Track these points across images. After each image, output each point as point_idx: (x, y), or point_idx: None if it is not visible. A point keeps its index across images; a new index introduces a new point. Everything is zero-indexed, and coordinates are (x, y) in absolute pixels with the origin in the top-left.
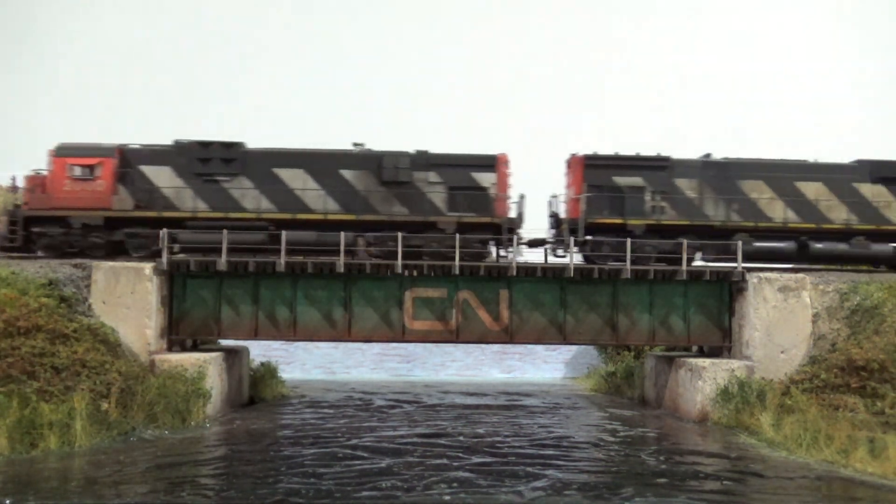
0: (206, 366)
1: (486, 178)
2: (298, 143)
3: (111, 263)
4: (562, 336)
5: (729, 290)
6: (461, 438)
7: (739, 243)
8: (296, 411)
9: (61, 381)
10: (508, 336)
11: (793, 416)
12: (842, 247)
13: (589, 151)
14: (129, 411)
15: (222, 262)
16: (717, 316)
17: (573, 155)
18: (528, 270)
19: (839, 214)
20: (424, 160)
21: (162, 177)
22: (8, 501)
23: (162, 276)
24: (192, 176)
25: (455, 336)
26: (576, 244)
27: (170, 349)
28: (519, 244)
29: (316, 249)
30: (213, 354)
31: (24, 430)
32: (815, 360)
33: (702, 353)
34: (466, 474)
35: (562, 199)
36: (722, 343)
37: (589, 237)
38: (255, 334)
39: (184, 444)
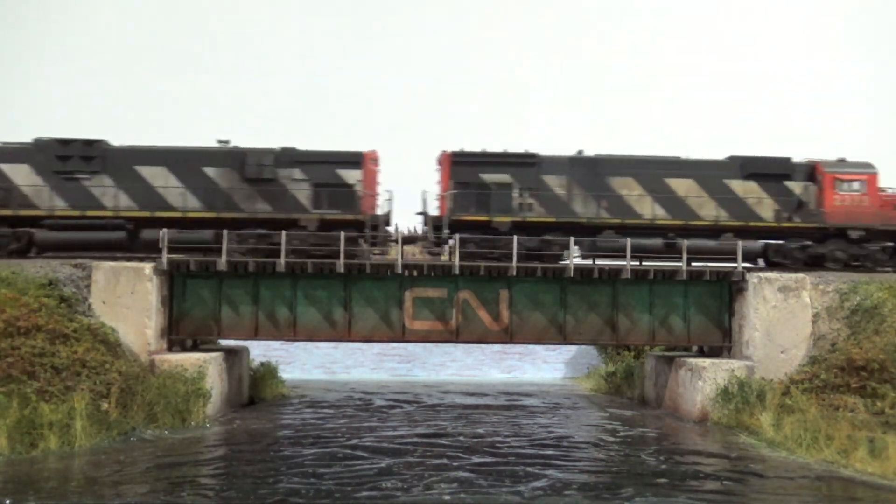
0: (206, 366)
1: (351, 175)
2: (163, 141)
3: (111, 263)
4: (562, 336)
5: (729, 290)
6: (461, 438)
7: (739, 243)
8: (296, 411)
9: (61, 381)
10: (508, 336)
11: (793, 416)
12: (709, 244)
13: (456, 148)
14: (129, 411)
15: (222, 262)
16: (717, 316)
17: (443, 152)
18: (528, 270)
19: (709, 211)
20: (289, 157)
21: (20, 175)
22: (8, 501)
23: (162, 276)
24: (50, 174)
25: (455, 336)
26: (440, 241)
27: (170, 349)
28: (389, 241)
29: (178, 247)
30: (213, 354)
31: (24, 430)
32: (815, 360)
33: (702, 353)
34: (466, 474)
35: (434, 197)
36: (722, 343)
37: (458, 234)
38: (255, 334)
39: (184, 444)
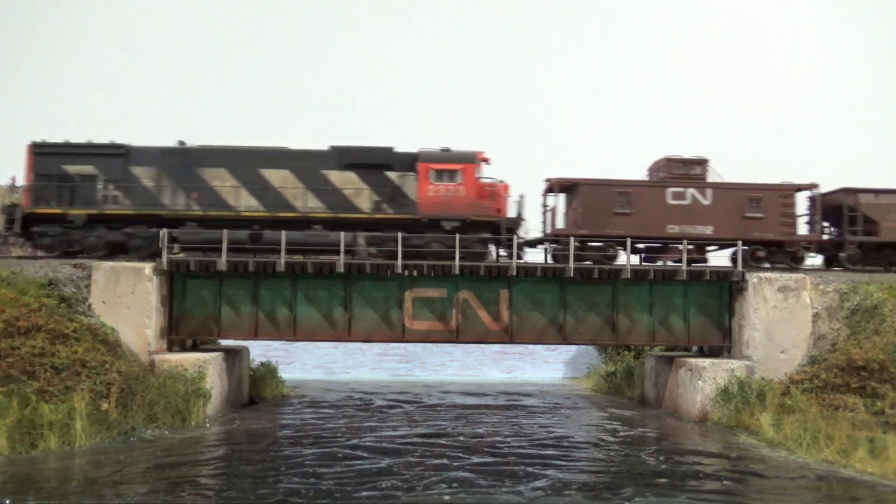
0: (206, 366)
1: None
2: None
3: (111, 263)
4: (562, 336)
5: (729, 290)
6: (461, 438)
7: (739, 247)
8: (296, 411)
9: (61, 381)
10: (508, 336)
11: (793, 416)
12: (296, 235)
13: (38, 139)
14: (129, 411)
15: (222, 261)
16: (717, 316)
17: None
18: (528, 270)
19: (304, 202)
20: None
21: None
22: (8, 501)
23: (162, 275)
24: None
25: (455, 336)
26: (17, 236)
27: (170, 349)
28: None
29: None
30: (213, 354)
31: (24, 430)
32: (815, 360)
33: (702, 353)
34: (466, 474)
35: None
36: (722, 343)
37: (38, 228)
38: (255, 334)
39: (184, 444)
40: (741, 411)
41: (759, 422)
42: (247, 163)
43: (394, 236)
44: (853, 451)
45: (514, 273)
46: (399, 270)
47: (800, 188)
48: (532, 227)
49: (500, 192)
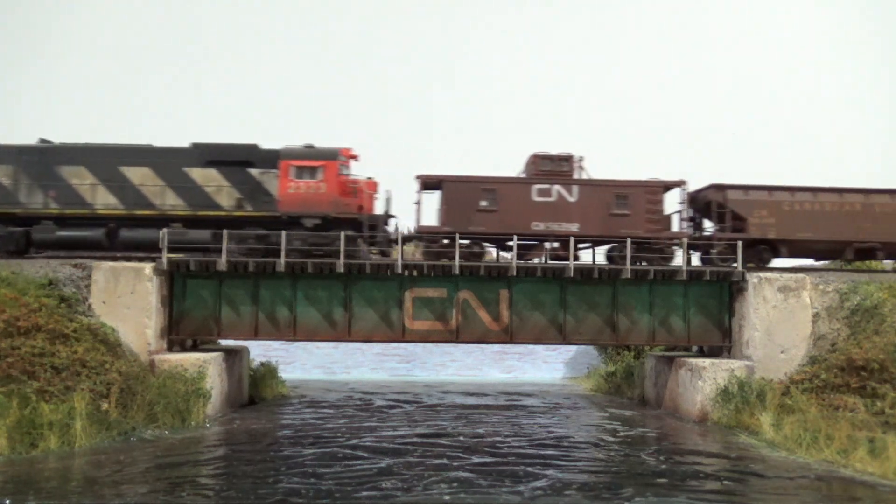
0: (206, 366)
1: None
2: None
3: (111, 263)
4: (562, 336)
5: (729, 290)
6: (461, 438)
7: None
8: (296, 411)
9: (61, 381)
10: (508, 336)
11: (793, 416)
12: (153, 233)
13: None
14: (129, 411)
15: (222, 261)
16: (717, 316)
17: None
18: (528, 270)
19: (165, 200)
20: None
21: None
22: (8, 501)
23: (162, 275)
24: None
25: (455, 336)
26: None
27: (170, 349)
28: None
29: None
30: (213, 354)
31: (24, 430)
32: (815, 360)
33: (702, 353)
34: (466, 474)
35: None
36: (722, 343)
37: None
38: (255, 334)
39: (184, 444)
40: (741, 411)
41: (759, 422)
42: (106, 160)
43: (255, 234)
44: (853, 451)
45: (514, 273)
46: (399, 270)
47: (667, 185)
48: (408, 225)
49: (364, 188)
